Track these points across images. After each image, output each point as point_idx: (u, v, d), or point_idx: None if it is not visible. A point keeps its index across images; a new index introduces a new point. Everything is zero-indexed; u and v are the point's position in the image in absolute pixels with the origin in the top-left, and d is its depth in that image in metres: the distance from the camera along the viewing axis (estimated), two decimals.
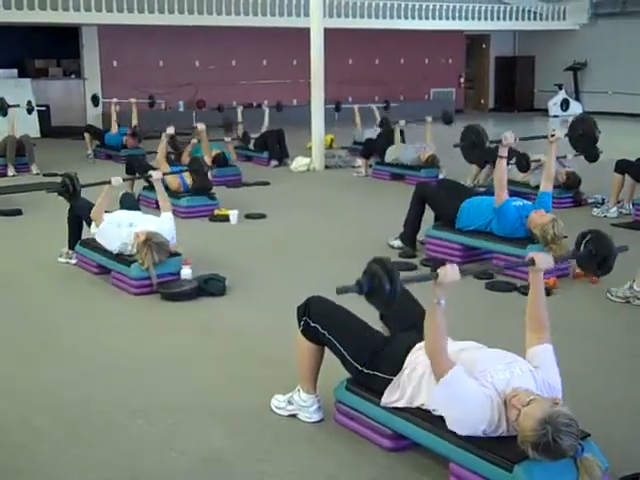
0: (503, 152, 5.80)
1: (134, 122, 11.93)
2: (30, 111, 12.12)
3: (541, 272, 3.20)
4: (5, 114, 10.82)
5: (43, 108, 13.71)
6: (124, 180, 6.21)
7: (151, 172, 6.32)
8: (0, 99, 10.84)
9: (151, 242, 5.36)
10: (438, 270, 2.85)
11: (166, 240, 5.48)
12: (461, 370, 2.88)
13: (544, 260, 3.20)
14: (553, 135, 6.05)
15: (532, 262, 3.19)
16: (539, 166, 8.49)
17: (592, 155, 8.64)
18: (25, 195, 9.07)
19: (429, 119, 10.27)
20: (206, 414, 3.64)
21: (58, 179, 9.92)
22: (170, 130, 8.27)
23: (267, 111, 12.31)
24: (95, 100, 13.75)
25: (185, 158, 9.35)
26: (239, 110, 12.45)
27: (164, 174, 6.40)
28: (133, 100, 12.14)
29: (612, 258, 3.37)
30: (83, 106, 16.93)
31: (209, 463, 3.21)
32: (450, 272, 2.86)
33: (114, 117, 12.43)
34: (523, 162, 8.39)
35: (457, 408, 2.89)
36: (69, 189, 5.95)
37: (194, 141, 9.85)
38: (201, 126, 9.06)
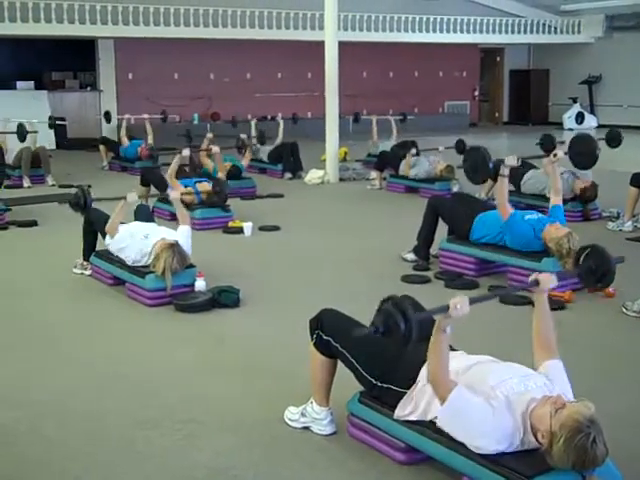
0: (504, 171, 5.82)
1: (149, 139, 12.00)
2: (52, 126, 12.25)
3: (546, 292, 3.21)
4: (24, 140, 10.84)
5: (64, 123, 13.78)
6: (139, 197, 6.24)
7: (169, 192, 6.36)
8: (19, 125, 10.74)
9: (175, 248, 5.40)
10: (449, 302, 2.88)
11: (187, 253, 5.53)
12: (463, 390, 2.88)
13: (547, 280, 3.21)
14: (555, 155, 6.09)
15: (536, 283, 3.21)
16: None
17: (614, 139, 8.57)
18: (40, 206, 9.13)
19: (441, 149, 10.29)
20: (219, 426, 3.64)
21: (73, 190, 10.04)
22: (186, 152, 8.14)
23: (282, 123, 12.33)
24: (108, 117, 13.77)
25: (204, 160, 9.44)
26: (253, 123, 12.51)
27: (181, 194, 6.45)
28: (146, 116, 12.22)
29: (611, 271, 3.41)
30: (99, 118, 17.03)
31: (221, 475, 3.20)
32: (461, 306, 2.88)
33: (123, 131, 12.53)
34: (548, 141, 8.32)
35: (466, 428, 2.88)
36: (80, 202, 6.04)
37: (210, 136, 10.20)
38: (215, 148, 9.07)
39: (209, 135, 10.54)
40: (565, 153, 6.27)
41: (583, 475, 2.68)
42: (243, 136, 10.96)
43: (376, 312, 2.86)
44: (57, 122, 12.59)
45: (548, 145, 8.22)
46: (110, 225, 5.86)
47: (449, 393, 2.88)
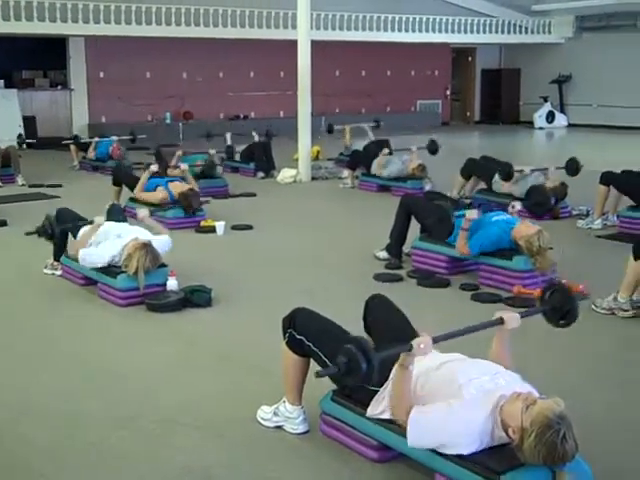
0: (466, 224, 5.89)
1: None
2: (20, 144, 12.35)
3: (509, 331, 3.28)
4: None
5: (33, 141, 13.67)
6: (107, 220, 6.17)
7: (138, 211, 6.31)
8: None
9: (148, 248, 5.38)
10: (412, 342, 2.94)
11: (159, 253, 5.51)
12: (418, 410, 2.93)
13: (512, 319, 3.27)
14: (514, 207, 6.26)
15: (501, 321, 3.27)
16: (523, 177, 8.58)
17: (572, 169, 8.78)
18: (10, 206, 9.05)
19: (414, 149, 10.34)
20: (191, 425, 3.63)
21: (44, 190, 9.94)
22: (154, 168, 8.34)
23: (256, 137, 12.19)
24: (77, 141, 13.33)
25: (172, 171, 9.37)
26: (228, 136, 12.46)
27: (150, 213, 6.41)
28: (115, 138, 12.20)
29: (574, 308, 3.49)
30: (69, 117, 16.92)
31: (194, 474, 3.19)
32: (424, 346, 2.94)
33: (91, 150, 12.37)
34: (506, 170, 8.51)
35: (438, 443, 2.91)
36: (47, 231, 6.05)
37: (179, 153, 10.00)
38: (184, 166, 9.04)
39: (178, 153, 10.16)
40: (522, 205, 6.55)
41: (553, 470, 2.72)
42: (212, 152, 10.65)
43: (339, 353, 2.91)
44: (26, 141, 12.59)
45: (505, 173, 8.49)
46: (78, 244, 5.85)
47: (409, 416, 2.94)
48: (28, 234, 6.25)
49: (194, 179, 9.03)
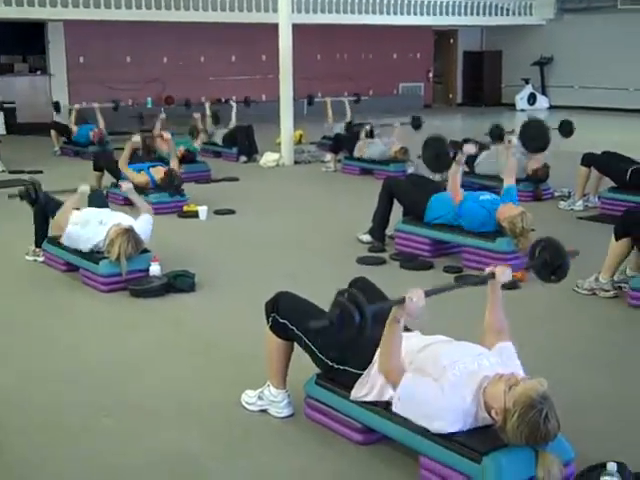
0: (461, 159, 5.88)
1: (100, 125, 11.93)
2: None
3: (500, 285, 3.28)
4: None
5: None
6: (92, 190, 6.17)
7: (120, 184, 6.31)
8: None
9: (130, 234, 5.36)
10: (405, 295, 2.92)
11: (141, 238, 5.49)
12: (411, 377, 2.94)
13: (504, 273, 3.28)
14: (510, 142, 6.21)
15: (492, 276, 3.28)
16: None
17: (566, 130, 8.73)
18: None
19: (397, 124, 10.35)
20: (176, 410, 3.63)
21: (24, 176, 9.85)
22: (136, 138, 8.23)
23: (235, 107, 12.28)
24: (57, 107, 13.52)
25: (160, 146, 9.35)
26: (207, 105, 12.47)
27: (134, 184, 6.42)
28: (96, 105, 12.14)
29: (565, 265, 3.45)
30: (49, 103, 16.76)
31: (179, 459, 3.19)
32: (416, 299, 2.91)
33: (72, 120, 12.38)
34: (496, 132, 8.45)
35: (421, 414, 2.92)
36: (31, 195, 6.01)
37: (162, 117, 10.10)
38: (167, 135, 8.96)
39: (162, 116, 10.45)
40: (517, 138, 6.40)
41: (536, 450, 2.74)
42: (197, 115, 10.94)
43: (331, 304, 2.89)
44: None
45: (496, 136, 8.37)
46: (59, 218, 5.81)
47: (400, 381, 2.94)
48: (11, 197, 6.20)
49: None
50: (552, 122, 7.02)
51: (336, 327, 2.87)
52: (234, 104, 12.36)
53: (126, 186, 6.25)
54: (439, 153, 6.00)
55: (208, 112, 12.30)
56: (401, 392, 2.95)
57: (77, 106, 12.66)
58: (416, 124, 10.67)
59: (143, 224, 5.66)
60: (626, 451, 3.08)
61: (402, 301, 2.92)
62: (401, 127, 10.47)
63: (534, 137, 6.25)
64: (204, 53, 18.49)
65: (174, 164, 8.27)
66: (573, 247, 3.52)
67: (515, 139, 6.29)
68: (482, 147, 8.83)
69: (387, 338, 3.02)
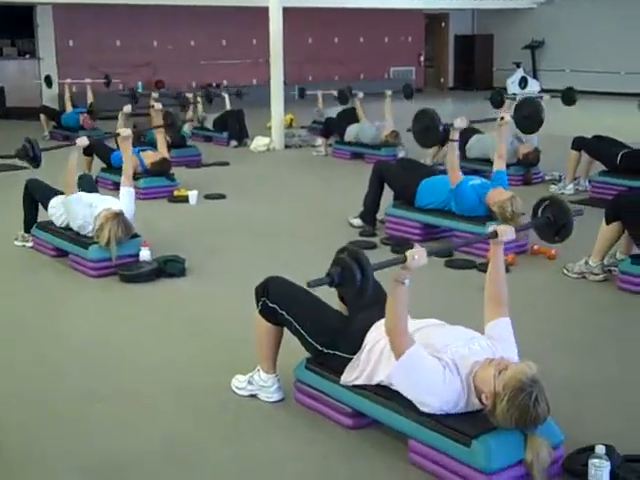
0: (454, 135, 5.85)
1: (90, 101, 11.82)
2: None
3: (502, 245, 3.23)
4: None
5: None
6: (90, 142, 6.11)
7: (120, 130, 6.20)
8: None
9: (120, 218, 5.34)
10: (406, 253, 2.82)
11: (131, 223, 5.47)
12: (420, 348, 2.90)
13: (506, 231, 3.22)
14: (502, 119, 6.13)
15: (494, 234, 3.22)
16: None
17: (569, 98, 8.66)
18: None
19: (389, 92, 10.26)
20: (167, 395, 3.63)
21: (13, 161, 9.79)
22: (127, 109, 8.18)
23: (227, 98, 12.15)
24: (48, 81, 13.49)
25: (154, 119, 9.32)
26: (197, 93, 12.41)
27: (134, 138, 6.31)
28: (88, 80, 12.04)
29: (570, 224, 3.39)
30: (38, 86, 16.65)
31: (171, 444, 3.19)
32: (418, 256, 2.83)
33: (67, 96, 12.33)
34: (497, 98, 8.35)
35: (417, 385, 2.91)
36: (29, 154, 5.91)
37: (155, 95, 10.43)
38: (158, 105, 8.85)
39: (154, 95, 10.40)
40: (511, 116, 6.31)
41: (525, 433, 2.75)
42: (189, 95, 11.01)
43: (332, 262, 2.83)
44: None
45: (497, 101, 8.20)
46: (66, 180, 5.71)
47: (407, 349, 2.87)
48: (3, 157, 6.11)
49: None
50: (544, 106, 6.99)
51: (337, 285, 2.79)
52: (226, 95, 12.23)
53: (125, 132, 6.06)
54: (429, 126, 5.95)
55: (199, 99, 12.24)
56: (406, 360, 2.87)
57: (69, 80, 12.57)
58: (408, 92, 10.43)
59: (128, 202, 5.63)
60: (615, 434, 3.10)
61: (403, 260, 2.82)
62: (392, 96, 10.34)
63: (528, 116, 6.15)
64: (195, 37, 18.38)
65: (162, 147, 8.15)
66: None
67: (508, 116, 6.21)
68: (473, 131, 8.82)
69: (393, 299, 2.90)
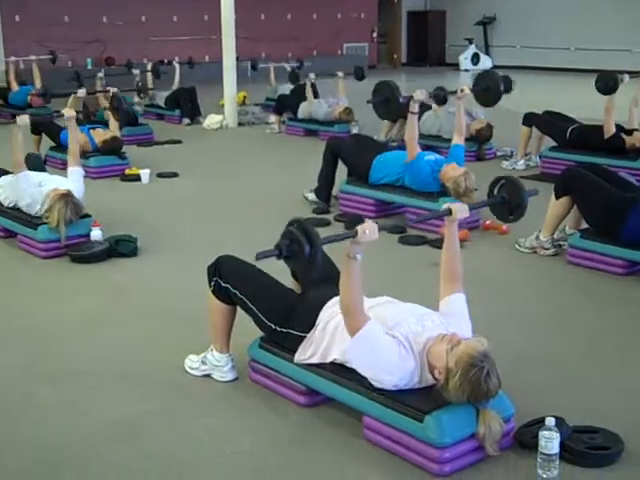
0: (414, 108, 5.82)
1: (37, 82, 11.56)
2: None
3: (457, 222, 3.23)
4: None
5: None
6: (38, 120, 6.00)
7: (63, 111, 6.07)
8: None
9: (69, 199, 5.25)
10: (357, 228, 2.81)
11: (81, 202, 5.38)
12: (375, 325, 2.90)
13: (461, 209, 3.22)
14: (462, 91, 6.10)
15: (449, 212, 3.21)
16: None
17: (506, 86, 8.69)
18: None
19: (340, 74, 10.25)
20: (119, 377, 3.59)
21: None
22: (81, 92, 8.04)
23: (178, 68, 12.03)
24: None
25: (104, 102, 9.17)
26: (149, 67, 12.22)
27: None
28: (33, 57, 11.79)
29: (524, 204, 3.41)
30: None
31: (122, 426, 3.16)
32: (369, 230, 2.82)
33: (12, 76, 12.06)
34: (440, 95, 8.39)
35: (372, 362, 2.92)
36: None
37: (100, 74, 10.63)
38: (113, 89, 8.69)
39: (100, 74, 10.27)
40: (470, 90, 6.27)
41: (477, 407, 2.77)
42: (136, 72, 11.07)
43: (281, 235, 2.81)
44: None
45: (440, 98, 8.24)
46: (15, 163, 5.58)
47: (362, 326, 2.86)
48: None
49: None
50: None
51: (285, 258, 2.78)
52: (177, 65, 12.08)
53: (69, 112, 5.94)
54: (389, 98, 5.94)
55: (149, 67, 12.06)
56: (361, 337, 2.86)
57: (13, 58, 12.31)
58: (359, 74, 10.40)
59: (76, 182, 5.54)
60: (564, 407, 3.14)
61: (355, 234, 2.80)
62: (344, 78, 10.34)
63: (487, 88, 6.13)
64: (145, 13, 18.09)
65: (113, 126, 8.01)
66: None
67: (468, 89, 6.18)
68: (426, 107, 8.83)
69: (346, 275, 2.87)
